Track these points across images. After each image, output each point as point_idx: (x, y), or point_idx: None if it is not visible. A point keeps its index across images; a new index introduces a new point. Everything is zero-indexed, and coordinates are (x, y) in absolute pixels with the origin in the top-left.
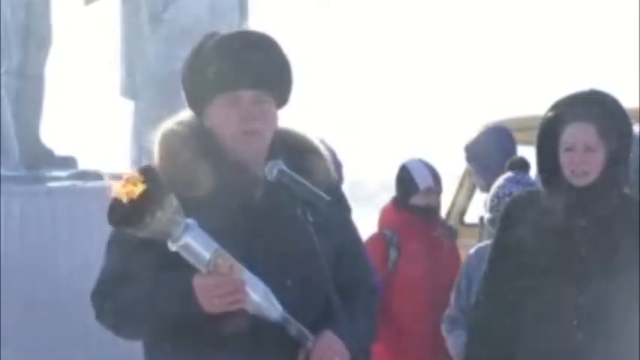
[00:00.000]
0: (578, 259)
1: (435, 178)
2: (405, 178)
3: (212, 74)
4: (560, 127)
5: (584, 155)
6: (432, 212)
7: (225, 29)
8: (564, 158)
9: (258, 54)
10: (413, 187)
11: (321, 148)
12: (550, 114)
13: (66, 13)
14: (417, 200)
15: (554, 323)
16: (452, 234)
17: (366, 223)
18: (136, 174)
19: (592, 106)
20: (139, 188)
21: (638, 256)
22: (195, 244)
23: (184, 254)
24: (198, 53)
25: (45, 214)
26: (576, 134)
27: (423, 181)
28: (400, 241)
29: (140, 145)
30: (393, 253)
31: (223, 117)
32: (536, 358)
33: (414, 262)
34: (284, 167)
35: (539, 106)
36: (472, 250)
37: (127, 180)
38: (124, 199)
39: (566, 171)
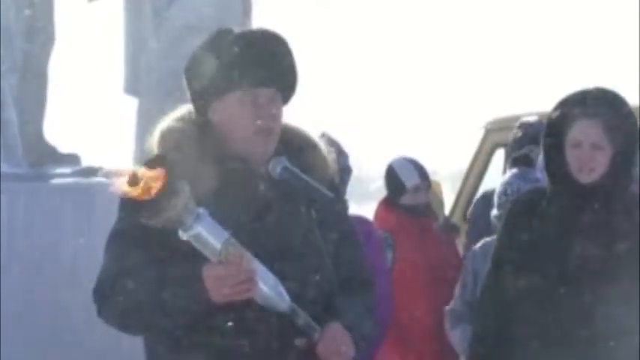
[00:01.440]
0: (584, 257)
1: (422, 174)
2: (393, 178)
3: (231, 70)
4: (567, 125)
5: (590, 152)
6: (423, 209)
7: (228, 27)
8: (571, 155)
9: (275, 54)
10: (401, 187)
11: (320, 143)
12: (557, 111)
13: (69, 10)
14: (406, 200)
15: (558, 320)
16: (452, 230)
17: (369, 217)
18: (149, 163)
19: (599, 104)
20: (155, 177)
21: None
22: (206, 233)
23: (195, 243)
24: (212, 48)
25: (48, 212)
26: (583, 131)
27: (409, 179)
28: (395, 241)
29: (144, 142)
30: (389, 254)
31: (238, 113)
32: (538, 356)
33: (410, 261)
34: (288, 164)
35: (541, 105)
36: (477, 245)
37: (141, 169)
38: (140, 188)
39: (573, 168)
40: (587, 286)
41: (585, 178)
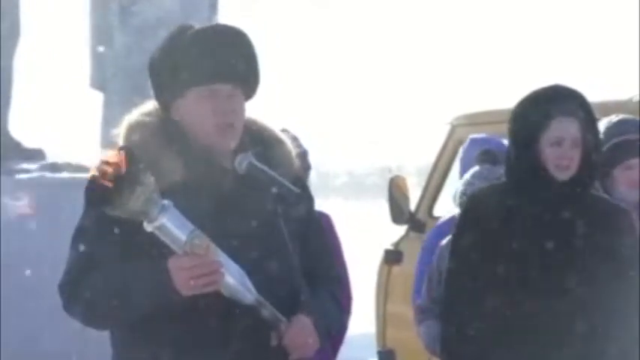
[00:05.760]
0: (552, 254)
1: None
2: None
3: (189, 66)
4: (544, 122)
5: (571, 150)
6: None
7: (194, 23)
8: (550, 152)
9: (234, 49)
10: None
11: (285, 139)
12: (530, 108)
13: (35, 4)
14: None
15: (524, 317)
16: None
17: (334, 213)
18: (114, 154)
19: (573, 103)
20: (119, 165)
21: (611, 251)
22: (171, 224)
23: (160, 235)
24: (172, 44)
25: (13, 207)
26: (564, 129)
27: None
28: None
29: (109, 137)
30: None
31: (198, 110)
32: (507, 354)
33: None
34: (254, 160)
35: (507, 101)
36: (443, 242)
37: (106, 160)
38: (105, 177)
39: (551, 165)
40: (555, 283)
41: (562, 175)
